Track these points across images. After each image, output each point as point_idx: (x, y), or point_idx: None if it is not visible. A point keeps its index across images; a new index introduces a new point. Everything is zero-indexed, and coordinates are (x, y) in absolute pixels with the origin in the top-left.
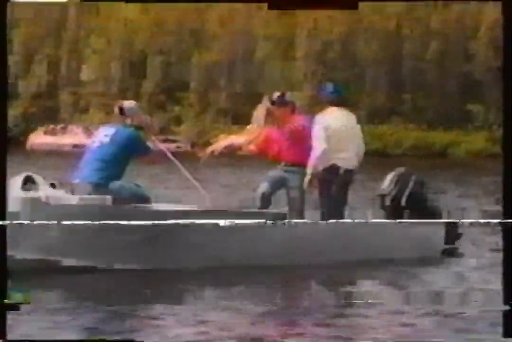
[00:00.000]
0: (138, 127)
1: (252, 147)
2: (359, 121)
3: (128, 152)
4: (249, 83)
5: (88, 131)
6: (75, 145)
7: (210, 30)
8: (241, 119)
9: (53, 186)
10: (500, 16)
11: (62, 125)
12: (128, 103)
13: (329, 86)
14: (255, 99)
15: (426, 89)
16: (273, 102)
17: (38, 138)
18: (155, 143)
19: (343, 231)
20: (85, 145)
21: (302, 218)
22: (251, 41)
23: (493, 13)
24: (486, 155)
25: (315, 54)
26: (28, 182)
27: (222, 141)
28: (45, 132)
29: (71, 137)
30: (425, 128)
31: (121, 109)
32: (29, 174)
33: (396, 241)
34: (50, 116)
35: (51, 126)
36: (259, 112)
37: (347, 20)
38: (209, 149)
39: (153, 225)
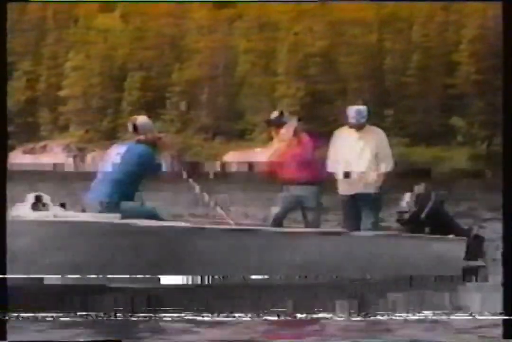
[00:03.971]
0: (152, 144)
1: (264, 166)
2: None
3: (139, 171)
4: (230, 98)
5: (69, 150)
6: (55, 165)
7: (190, 43)
8: (223, 135)
9: (63, 206)
10: (482, 29)
11: (41, 144)
12: (141, 120)
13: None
14: (237, 115)
15: (408, 104)
16: (269, 122)
17: (17, 158)
18: (169, 160)
19: (357, 247)
20: (64, 164)
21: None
22: (232, 55)
23: (475, 25)
24: (469, 172)
25: (297, 69)
26: (38, 202)
27: (239, 156)
28: (24, 151)
29: (51, 156)
30: (408, 143)
31: (135, 126)
32: (39, 193)
33: (414, 257)
34: (29, 134)
35: (30, 144)
36: (287, 132)
37: (328, 34)
38: (222, 160)
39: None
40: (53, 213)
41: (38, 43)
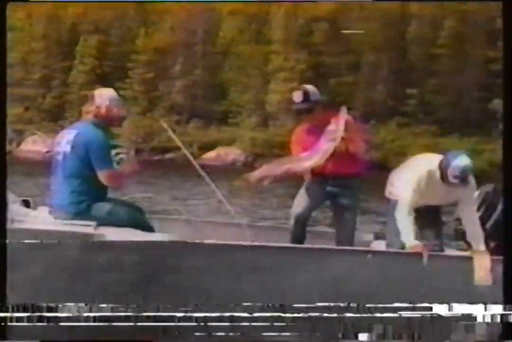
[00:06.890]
0: (105, 123)
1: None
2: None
3: (91, 163)
4: (210, 72)
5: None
6: None
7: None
8: (201, 118)
9: (26, 203)
10: None
11: None
12: (103, 90)
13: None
14: (219, 93)
15: (438, 82)
16: (299, 110)
17: None
18: (130, 158)
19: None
20: None
21: (352, 244)
22: (213, 18)
23: None
24: None
25: (296, 36)
26: None
27: (276, 166)
28: None
29: None
30: (436, 132)
31: (92, 97)
32: None
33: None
34: None
35: None
36: (338, 127)
37: None
38: (256, 175)
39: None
40: (11, 214)
41: None
